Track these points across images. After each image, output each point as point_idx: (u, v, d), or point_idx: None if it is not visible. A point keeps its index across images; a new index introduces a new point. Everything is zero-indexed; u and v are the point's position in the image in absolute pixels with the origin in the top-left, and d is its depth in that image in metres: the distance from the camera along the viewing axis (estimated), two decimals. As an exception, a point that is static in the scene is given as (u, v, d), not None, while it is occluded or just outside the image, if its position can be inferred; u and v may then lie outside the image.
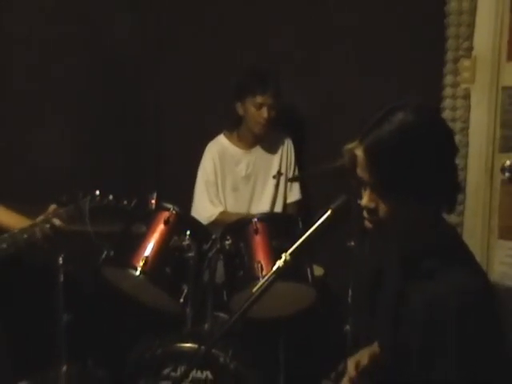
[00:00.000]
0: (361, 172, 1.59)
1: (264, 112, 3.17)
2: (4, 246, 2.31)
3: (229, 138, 3.34)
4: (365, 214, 1.62)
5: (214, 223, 3.17)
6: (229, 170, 3.32)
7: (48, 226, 2.43)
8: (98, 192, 2.57)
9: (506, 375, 1.55)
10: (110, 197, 2.59)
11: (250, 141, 3.33)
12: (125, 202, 2.62)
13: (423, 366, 1.54)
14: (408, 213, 1.57)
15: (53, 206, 2.48)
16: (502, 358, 1.56)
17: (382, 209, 1.58)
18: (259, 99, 3.15)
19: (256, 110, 3.18)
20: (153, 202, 2.72)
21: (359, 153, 1.57)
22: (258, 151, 3.36)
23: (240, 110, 3.23)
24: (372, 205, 1.59)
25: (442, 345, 1.49)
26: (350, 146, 1.62)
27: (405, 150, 1.52)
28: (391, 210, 1.57)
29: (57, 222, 2.44)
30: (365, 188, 1.61)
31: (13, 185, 3.12)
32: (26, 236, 2.38)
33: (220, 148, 3.32)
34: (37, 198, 2.72)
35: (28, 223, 2.42)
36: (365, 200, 1.61)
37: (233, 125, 3.33)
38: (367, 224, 1.63)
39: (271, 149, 3.38)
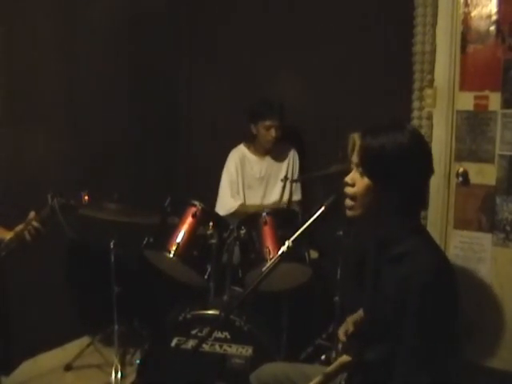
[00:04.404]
0: (354, 155, 1.59)
1: (272, 132, 3.18)
2: (3, 253, 2.30)
3: (247, 147, 3.35)
4: (345, 190, 1.60)
5: (234, 214, 3.15)
6: (246, 171, 3.31)
7: (32, 228, 2.36)
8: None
9: (456, 344, 1.54)
10: (72, 201, 2.35)
11: (262, 152, 3.33)
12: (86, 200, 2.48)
13: (391, 333, 1.53)
14: (375, 196, 1.56)
15: (32, 213, 2.31)
16: (454, 330, 1.54)
17: (358, 186, 1.57)
18: (268, 122, 3.16)
19: (266, 131, 3.18)
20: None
21: (358, 142, 1.57)
22: (269, 159, 3.35)
23: (253, 130, 3.24)
24: (351, 181, 1.59)
25: (406, 316, 1.47)
26: (355, 134, 1.61)
27: (388, 161, 1.52)
28: (365, 190, 1.56)
29: (36, 224, 2.37)
30: (354, 168, 1.60)
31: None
32: (16, 244, 2.27)
33: (241, 154, 3.33)
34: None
35: (10, 233, 2.28)
36: (348, 177, 1.60)
37: (249, 138, 3.33)
38: (347, 203, 1.61)
39: (280, 158, 3.36)
